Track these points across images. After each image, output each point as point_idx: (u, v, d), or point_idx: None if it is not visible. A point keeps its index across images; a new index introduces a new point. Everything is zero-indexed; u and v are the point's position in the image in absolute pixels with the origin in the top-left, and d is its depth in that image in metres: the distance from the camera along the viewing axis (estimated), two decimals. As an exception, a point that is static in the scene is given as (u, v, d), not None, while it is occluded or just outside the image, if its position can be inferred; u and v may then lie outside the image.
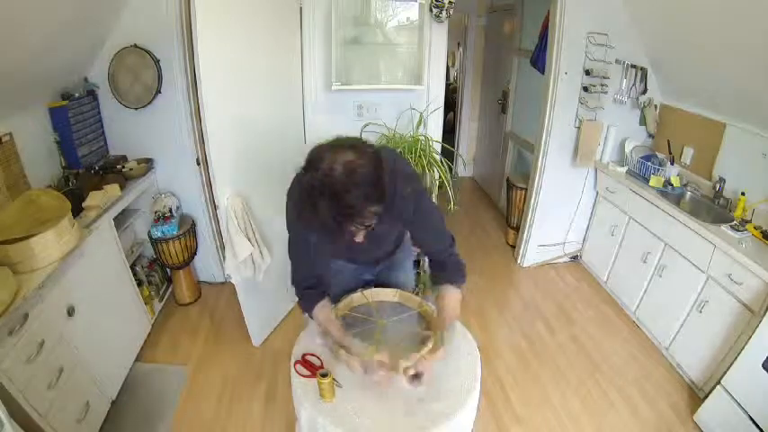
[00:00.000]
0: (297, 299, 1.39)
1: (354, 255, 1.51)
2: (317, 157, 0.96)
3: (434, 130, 2.70)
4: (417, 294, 1.55)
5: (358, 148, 0.99)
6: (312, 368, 1.26)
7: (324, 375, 1.16)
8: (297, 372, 1.27)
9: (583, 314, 2.84)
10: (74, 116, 2.22)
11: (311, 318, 1.37)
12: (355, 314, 1.49)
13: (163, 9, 2.23)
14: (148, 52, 2.32)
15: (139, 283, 2.50)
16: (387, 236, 1.40)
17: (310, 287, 1.36)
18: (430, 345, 1.30)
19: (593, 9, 2.58)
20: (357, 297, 1.53)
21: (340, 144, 0.99)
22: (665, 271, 2.43)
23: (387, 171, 0.99)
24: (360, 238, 1.06)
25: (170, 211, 2.57)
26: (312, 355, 1.32)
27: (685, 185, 2.61)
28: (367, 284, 1.64)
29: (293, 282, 1.39)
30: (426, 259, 2.78)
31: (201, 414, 2.05)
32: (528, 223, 3.23)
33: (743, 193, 2.20)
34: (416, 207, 1.25)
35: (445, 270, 1.38)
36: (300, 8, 2.33)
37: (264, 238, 2.21)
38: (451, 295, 1.35)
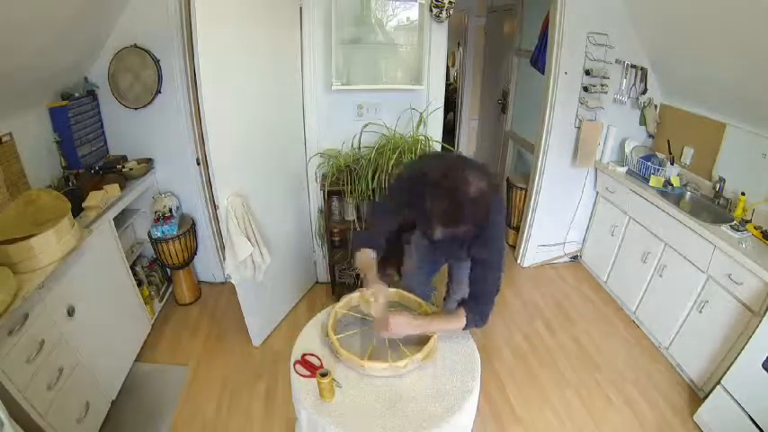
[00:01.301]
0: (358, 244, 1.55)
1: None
2: (454, 167, 1.16)
3: (434, 130, 2.70)
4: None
5: (490, 176, 1.18)
6: (312, 368, 1.26)
7: (323, 375, 1.16)
8: (297, 372, 1.27)
9: (583, 314, 2.83)
10: (74, 116, 2.22)
11: (358, 252, 1.52)
12: (354, 314, 1.49)
13: (163, 9, 2.23)
14: (148, 52, 2.32)
15: (139, 283, 2.50)
16: (451, 251, 1.57)
17: (372, 238, 1.53)
18: (430, 344, 1.31)
19: (593, 9, 2.57)
20: (356, 297, 1.53)
21: (478, 167, 1.19)
22: (665, 271, 2.43)
23: (497, 216, 1.23)
24: (438, 235, 1.20)
25: (170, 211, 2.57)
26: (312, 354, 1.32)
27: (685, 185, 2.61)
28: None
29: (367, 230, 1.63)
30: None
31: (201, 414, 2.05)
32: (528, 223, 3.23)
33: (743, 193, 2.20)
34: (486, 247, 1.36)
35: (472, 307, 1.39)
36: (300, 8, 2.33)
37: (264, 238, 2.21)
38: (454, 318, 1.37)
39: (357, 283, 1.86)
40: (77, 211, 2.00)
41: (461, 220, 1.13)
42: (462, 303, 1.41)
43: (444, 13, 2.35)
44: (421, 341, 1.35)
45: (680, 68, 2.56)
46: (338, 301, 1.54)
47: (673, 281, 2.37)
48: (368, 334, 1.40)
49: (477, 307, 1.38)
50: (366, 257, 1.49)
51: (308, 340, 1.41)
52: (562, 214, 3.22)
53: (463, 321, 1.36)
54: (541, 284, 3.17)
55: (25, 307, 1.47)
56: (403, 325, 1.31)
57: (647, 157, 2.76)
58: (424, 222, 1.23)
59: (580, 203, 3.19)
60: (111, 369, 2.05)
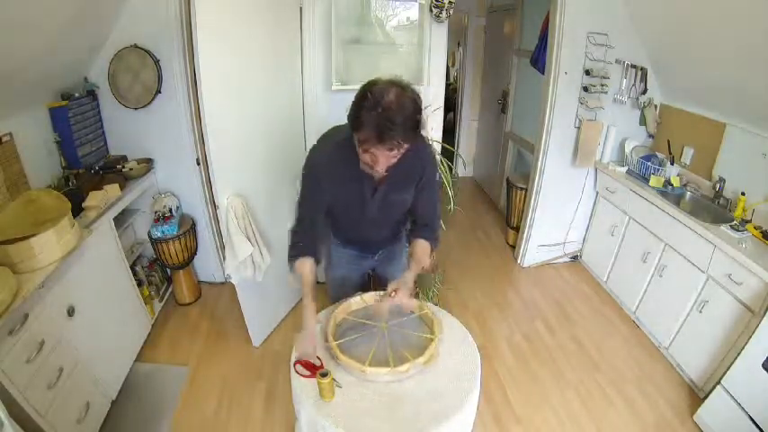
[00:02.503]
0: (288, 263, 1.48)
1: (363, 223, 1.52)
2: (372, 82, 1.14)
3: (434, 130, 2.70)
4: (418, 296, 1.56)
5: (407, 87, 1.16)
6: (312, 368, 1.26)
7: (324, 375, 1.16)
8: (297, 372, 1.27)
9: (583, 314, 2.83)
10: (74, 116, 2.22)
11: (291, 269, 1.44)
12: (354, 318, 1.48)
13: (163, 9, 2.23)
14: (148, 52, 2.32)
15: (139, 283, 2.50)
16: (398, 205, 1.48)
17: (303, 237, 1.45)
18: (432, 348, 1.30)
19: (593, 9, 2.58)
20: (355, 301, 1.52)
21: (391, 80, 1.16)
22: (665, 271, 2.43)
23: (421, 119, 1.18)
24: (380, 170, 1.19)
25: (170, 211, 2.57)
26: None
27: (685, 185, 2.61)
28: (366, 275, 1.75)
29: (292, 229, 1.47)
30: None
31: (201, 414, 2.05)
32: (528, 223, 3.23)
33: (743, 193, 2.20)
34: (429, 173, 1.41)
35: (424, 230, 1.50)
36: (300, 8, 2.33)
37: (264, 238, 2.21)
38: (422, 245, 1.47)
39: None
40: (77, 211, 2.00)
41: (396, 133, 1.10)
42: (415, 233, 1.51)
43: (444, 13, 2.35)
44: (422, 345, 1.35)
45: (680, 68, 2.56)
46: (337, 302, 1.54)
47: (673, 281, 2.37)
48: (368, 338, 1.40)
49: (433, 233, 1.50)
50: (306, 274, 1.40)
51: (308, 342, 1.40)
52: (562, 214, 3.22)
53: (427, 247, 1.47)
54: (541, 284, 3.17)
55: (25, 307, 1.47)
56: (407, 299, 1.38)
57: (647, 157, 2.76)
58: (357, 177, 1.27)
59: (580, 203, 3.19)
60: (111, 369, 2.05)
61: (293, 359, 1.30)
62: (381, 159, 1.17)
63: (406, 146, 1.16)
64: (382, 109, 1.08)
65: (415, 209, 1.49)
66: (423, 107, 1.18)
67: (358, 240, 1.66)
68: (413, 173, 1.38)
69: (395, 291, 1.38)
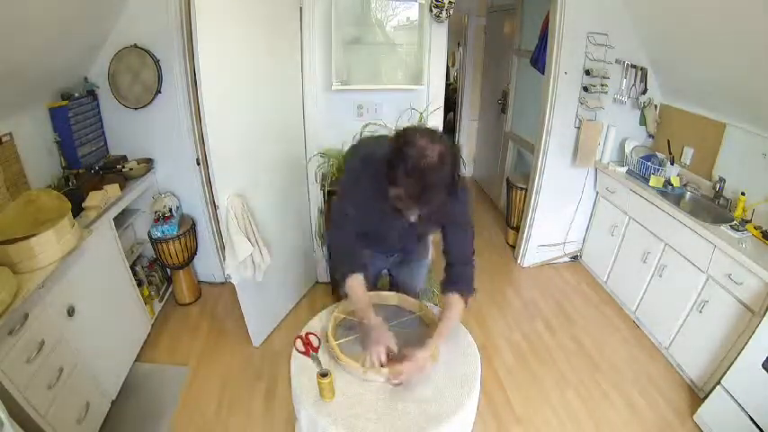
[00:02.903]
0: (334, 267, 1.46)
1: (383, 240, 1.50)
2: (411, 139, 1.07)
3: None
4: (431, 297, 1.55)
5: (444, 141, 1.09)
6: (310, 346, 1.28)
7: (324, 375, 1.17)
8: (295, 347, 1.28)
9: (583, 314, 2.83)
10: (74, 116, 2.22)
11: (344, 281, 1.37)
12: (353, 318, 1.48)
13: (163, 9, 2.23)
14: (148, 52, 2.32)
15: (139, 283, 2.50)
16: (423, 236, 1.45)
17: (350, 254, 1.38)
18: (433, 348, 1.30)
19: (593, 9, 2.57)
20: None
21: (430, 132, 1.10)
22: (665, 271, 2.43)
23: (459, 170, 1.13)
24: (413, 218, 1.17)
25: (170, 211, 2.57)
26: (314, 334, 1.34)
27: (685, 185, 2.61)
28: (381, 276, 1.70)
29: (334, 246, 1.43)
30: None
31: (201, 414, 2.05)
32: (528, 223, 3.23)
33: (743, 193, 2.20)
34: (462, 211, 1.34)
35: (459, 280, 1.39)
36: (300, 8, 2.33)
37: (264, 238, 2.21)
38: (456, 306, 1.36)
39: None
40: (77, 211, 2.00)
41: (434, 195, 1.07)
42: (448, 284, 1.38)
43: (444, 13, 2.35)
44: (423, 345, 1.34)
45: (680, 68, 2.56)
46: (338, 301, 1.54)
47: (673, 281, 2.37)
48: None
49: (469, 283, 1.38)
50: (361, 293, 1.34)
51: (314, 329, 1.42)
52: (562, 214, 3.22)
53: (461, 304, 1.35)
54: (541, 284, 3.17)
55: (25, 307, 1.47)
56: (417, 369, 1.22)
57: (647, 157, 2.76)
58: (390, 210, 1.18)
59: (580, 203, 3.18)
60: (111, 369, 2.05)
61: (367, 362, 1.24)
62: (414, 212, 1.15)
63: (439, 205, 1.12)
64: (420, 173, 1.03)
65: (447, 245, 1.41)
66: (460, 157, 1.13)
67: (378, 245, 1.60)
68: (443, 212, 1.28)
69: (414, 361, 1.22)
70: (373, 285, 1.65)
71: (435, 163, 1.04)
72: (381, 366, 1.22)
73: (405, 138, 1.08)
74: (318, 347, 1.30)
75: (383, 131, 2.57)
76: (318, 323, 1.48)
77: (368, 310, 1.32)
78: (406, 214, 1.17)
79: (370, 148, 1.36)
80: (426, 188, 1.05)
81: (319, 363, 1.25)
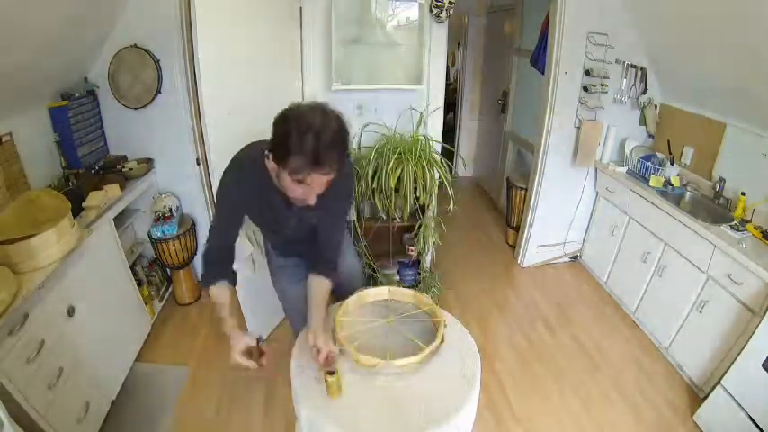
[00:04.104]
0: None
1: (279, 231, 1.50)
2: (296, 109, 1.09)
3: (434, 130, 2.70)
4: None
5: (325, 107, 1.12)
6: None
7: (331, 373, 1.17)
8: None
9: (583, 314, 2.83)
10: (74, 116, 2.22)
11: (210, 288, 1.37)
12: (353, 318, 1.48)
13: (163, 9, 2.23)
14: (148, 52, 2.32)
15: (139, 283, 2.50)
16: (313, 227, 1.43)
17: (218, 261, 1.40)
18: (436, 342, 1.31)
19: (593, 9, 2.58)
20: (351, 301, 1.52)
21: (309, 104, 1.12)
22: (665, 271, 2.43)
23: (348, 136, 1.14)
24: (312, 200, 1.17)
25: (170, 211, 2.57)
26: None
27: (685, 185, 2.61)
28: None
29: (205, 252, 1.41)
30: (428, 260, 2.78)
31: (201, 414, 2.05)
32: (528, 223, 3.23)
33: (743, 193, 2.20)
34: (334, 191, 1.23)
35: (320, 266, 1.41)
36: (300, 8, 2.33)
37: (264, 238, 2.21)
38: (318, 285, 1.38)
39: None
40: (77, 211, 2.00)
41: (331, 153, 1.07)
42: (312, 266, 1.40)
43: (444, 13, 2.35)
44: (430, 331, 1.38)
45: (680, 68, 2.56)
46: (337, 301, 1.54)
47: (673, 281, 2.37)
48: (375, 334, 1.41)
49: (330, 265, 1.41)
50: (224, 299, 1.33)
51: (309, 345, 1.40)
52: (562, 214, 3.22)
53: (326, 287, 1.38)
54: (541, 284, 3.17)
55: (25, 307, 1.47)
56: (328, 346, 1.24)
57: (647, 157, 2.76)
58: (280, 200, 1.25)
59: (580, 203, 3.19)
60: (111, 369, 2.05)
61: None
62: (316, 187, 1.14)
63: (337, 167, 1.11)
64: (313, 133, 1.04)
65: (319, 232, 1.41)
66: (347, 125, 1.14)
67: (292, 252, 1.64)
68: (327, 197, 1.25)
69: (315, 347, 1.25)
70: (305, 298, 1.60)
71: (321, 121, 1.06)
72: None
73: (288, 113, 1.10)
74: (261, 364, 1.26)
75: (383, 131, 2.58)
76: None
77: (229, 319, 1.30)
78: (307, 198, 1.16)
79: (245, 151, 1.36)
80: (323, 145, 1.05)
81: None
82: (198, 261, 2.86)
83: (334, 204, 1.36)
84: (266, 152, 1.16)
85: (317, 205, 1.22)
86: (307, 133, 1.04)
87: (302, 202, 1.19)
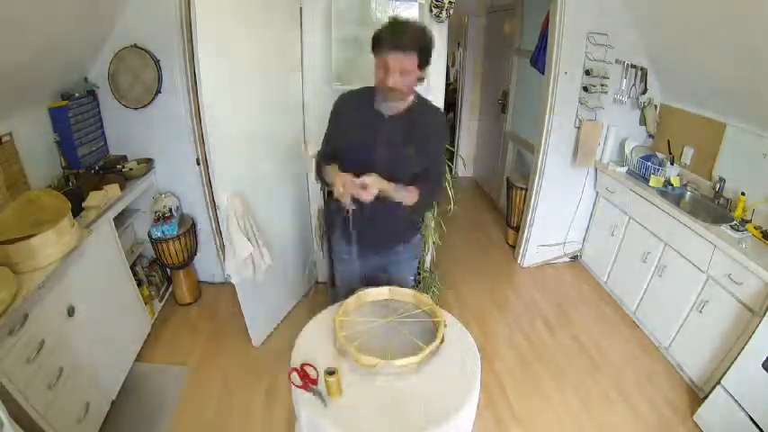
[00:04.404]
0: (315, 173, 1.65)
1: (369, 153, 1.55)
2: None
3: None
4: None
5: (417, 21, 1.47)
6: (308, 379, 1.24)
7: (331, 373, 1.17)
8: (291, 381, 1.25)
9: (583, 314, 2.84)
10: (74, 116, 2.22)
11: (320, 174, 1.61)
12: (354, 318, 1.48)
13: (163, 9, 2.23)
14: (148, 52, 2.32)
15: (139, 283, 2.50)
16: (403, 160, 1.51)
17: (325, 159, 1.60)
18: (436, 342, 1.31)
19: (593, 9, 2.58)
20: (351, 301, 1.52)
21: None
22: (665, 271, 2.43)
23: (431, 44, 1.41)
24: (390, 81, 1.36)
25: (170, 211, 2.57)
26: (310, 365, 1.28)
27: (685, 185, 2.61)
28: (369, 279, 1.74)
29: (317, 156, 1.66)
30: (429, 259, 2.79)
31: (201, 414, 2.05)
32: (528, 223, 3.23)
33: (743, 193, 2.20)
34: (437, 134, 1.59)
35: (423, 181, 1.54)
36: (300, 8, 2.33)
37: (265, 238, 2.21)
38: (413, 188, 1.50)
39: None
40: (77, 211, 2.00)
41: (410, 38, 1.33)
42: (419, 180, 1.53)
43: (444, 13, 2.35)
44: (430, 331, 1.37)
45: (680, 68, 2.56)
46: (335, 301, 1.54)
47: (673, 281, 2.37)
48: (375, 334, 1.41)
49: (431, 182, 1.57)
50: (330, 169, 1.52)
51: (308, 346, 1.39)
52: (562, 214, 3.22)
53: (416, 193, 1.50)
54: (541, 284, 3.17)
55: (25, 307, 1.47)
56: (374, 181, 1.38)
57: (647, 157, 2.76)
58: (372, 121, 1.48)
59: (580, 203, 3.19)
60: (111, 369, 2.05)
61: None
62: (395, 64, 1.34)
63: (415, 54, 1.35)
64: (397, 22, 1.37)
65: (418, 163, 1.53)
66: (432, 39, 1.39)
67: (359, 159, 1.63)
68: (422, 128, 1.51)
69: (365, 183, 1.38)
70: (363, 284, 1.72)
71: (409, 20, 1.40)
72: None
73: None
74: (317, 380, 1.23)
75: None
76: (314, 334, 1.45)
77: (338, 174, 1.44)
78: (387, 76, 1.36)
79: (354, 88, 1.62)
80: (400, 29, 1.34)
81: (321, 398, 1.18)
82: (198, 261, 2.87)
83: (433, 140, 1.57)
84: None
85: (409, 136, 1.48)
86: (393, 23, 1.37)
87: (383, 83, 1.38)
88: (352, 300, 1.51)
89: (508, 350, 2.51)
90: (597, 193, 3.13)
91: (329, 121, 1.62)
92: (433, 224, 2.59)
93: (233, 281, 2.17)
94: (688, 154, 2.66)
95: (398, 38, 1.33)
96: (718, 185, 2.38)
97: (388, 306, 1.54)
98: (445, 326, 1.38)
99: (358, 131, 1.52)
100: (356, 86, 2.51)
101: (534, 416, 2.09)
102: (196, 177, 2.66)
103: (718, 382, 1.92)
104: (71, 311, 1.74)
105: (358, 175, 1.39)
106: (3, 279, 1.40)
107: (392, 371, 1.25)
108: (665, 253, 2.44)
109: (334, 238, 1.79)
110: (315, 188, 2.71)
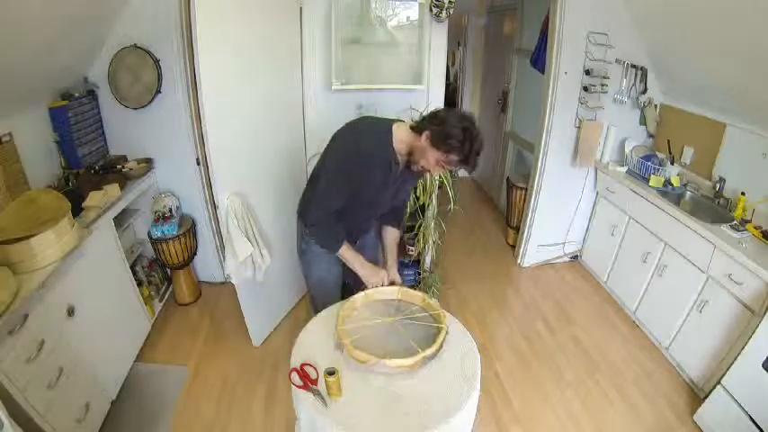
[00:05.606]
0: (318, 235, 1.66)
1: (375, 206, 1.73)
2: (468, 120, 1.44)
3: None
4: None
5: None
6: (308, 379, 1.24)
7: (331, 373, 1.17)
8: (291, 381, 1.26)
9: (583, 314, 2.83)
10: (74, 116, 2.22)
11: (337, 251, 1.64)
12: (359, 315, 1.49)
13: (163, 9, 2.23)
14: (148, 52, 2.32)
15: (139, 283, 2.50)
16: (404, 193, 1.81)
17: (334, 225, 1.62)
18: (439, 341, 1.31)
19: (593, 9, 2.57)
20: (359, 297, 1.53)
21: (471, 116, 1.51)
22: (665, 271, 2.43)
23: None
24: (436, 173, 1.59)
25: (170, 211, 2.57)
26: (310, 365, 1.29)
27: (685, 185, 2.61)
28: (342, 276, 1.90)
29: (316, 220, 1.60)
30: (427, 259, 2.79)
31: (201, 414, 2.05)
32: (528, 223, 3.23)
33: (743, 193, 2.20)
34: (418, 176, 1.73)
35: (391, 219, 1.82)
36: (300, 8, 2.33)
37: (264, 238, 2.21)
38: (393, 234, 1.84)
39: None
40: (77, 211, 2.00)
41: (477, 159, 1.47)
42: (385, 219, 1.83)
43: (444, 12, 2.35)
44: (430, 336, 1.37)
45: (680, 68, 2.56)
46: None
47: (673, 281, 2.37)
48: (377, 333, 1.41)
49: (400, 218, 1.87)
50: (352, 255, 1.64)
51: (308, 345, 1.40)
52: (562, 214, 3.22)
53: (398, 236, 1.86)
54: (541, 284, 3.17)
55: (25, 307, 1.47)
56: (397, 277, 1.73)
57: (647, 157, 2.76)
58: (388, 167, 1.51)
59: (580, 203, 3.19)
60: (111, 369, 2.05)
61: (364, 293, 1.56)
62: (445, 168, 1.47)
63: None
64: (477, 144, 1.42)
65: (402, 198, 1.80)
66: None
67: (357, 229, 1.81)
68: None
69: (392, 280, 1.69)
70: (339, 287, 1.92)
71: (480, 137, 1.44)
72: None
73: (464, 118, 1.44)
74: (317, 380, 1.23)
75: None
76: (314, 334, 1.45)
77: (365, 264, 1.66)
78: (433, 170, 1.48)
79: (370, 127, 1.55)
80: (477, 158, 1.45)
81: (321, 398, 1.19)
82: (198, 261, 2.87)
83: (415, 180, 1.88)
84: (424, 131, 1.41)
85: (416, 176, 1.64)
86: (473, 142, 1.40)
87: (423, 170, 1.49)
88: (360, 296, 1.52)
89: (508, 350, 2.51)
90: (597, 192, 3.13)
91: (337, 175, 1.50)
92: (432, 224, 2.60)
93: (233, 281, 2.17)
94: (688, 154, 2.66)
95: (470, 162, 1.44)
96: (718, 185, 2.38)
97: (397, 306, 1.55)
98: (447, 334, 1.37)
99: (373, 180, 1.54)
100: (356, 86, 2.54)
101: (534, 416, 2.09)
102: (196, 177, 2.66)
103: (719, 382, 1.92)
104: (71, 311, 1.74)
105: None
106: (3, 279, 1.40)
107: (384, 370, 1.25)
108: (665, 253, 2.44)
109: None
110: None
